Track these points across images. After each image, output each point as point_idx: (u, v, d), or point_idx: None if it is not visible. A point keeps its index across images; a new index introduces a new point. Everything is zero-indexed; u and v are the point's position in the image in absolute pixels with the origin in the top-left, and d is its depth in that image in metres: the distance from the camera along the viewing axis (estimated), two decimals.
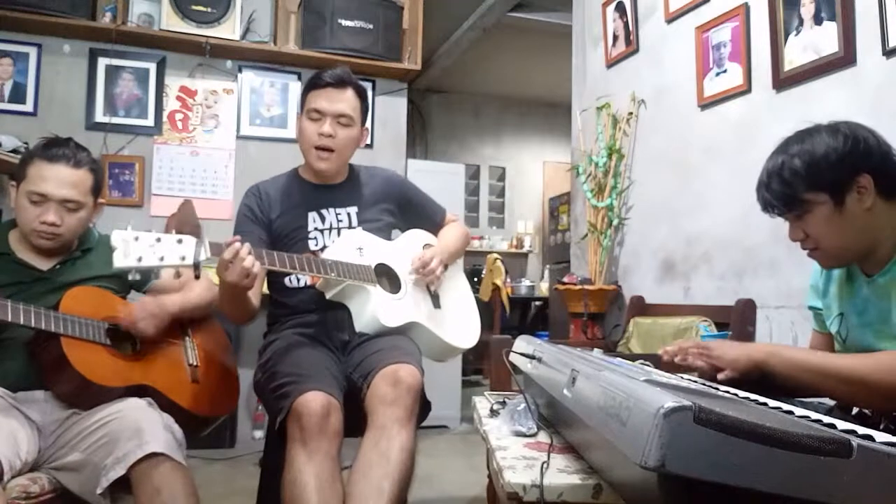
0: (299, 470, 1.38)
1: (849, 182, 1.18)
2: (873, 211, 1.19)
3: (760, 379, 1.30)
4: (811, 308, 1.44)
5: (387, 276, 1.78)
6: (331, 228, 1.79)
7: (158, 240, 1.34)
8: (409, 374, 1.50)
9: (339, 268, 1.61)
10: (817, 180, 1.18)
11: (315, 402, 1.42)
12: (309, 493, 1.35)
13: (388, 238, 1.86)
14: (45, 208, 1.52)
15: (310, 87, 1.78)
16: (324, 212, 1.80)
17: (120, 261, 1.29)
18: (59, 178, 1.52)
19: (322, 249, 1.75)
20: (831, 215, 1.19)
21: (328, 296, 1.69)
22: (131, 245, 1.30)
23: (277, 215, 1.78)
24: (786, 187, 1.21)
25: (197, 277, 1.44)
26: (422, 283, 1.83)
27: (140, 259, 1.30)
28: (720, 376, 1.32)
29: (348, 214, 1.81)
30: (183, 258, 1.35)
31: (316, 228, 1.78)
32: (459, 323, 1.92)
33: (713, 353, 1.33)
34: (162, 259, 1.33)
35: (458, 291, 1.98)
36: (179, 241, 1.36)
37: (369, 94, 1.91)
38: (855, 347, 1.29)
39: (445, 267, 1.88)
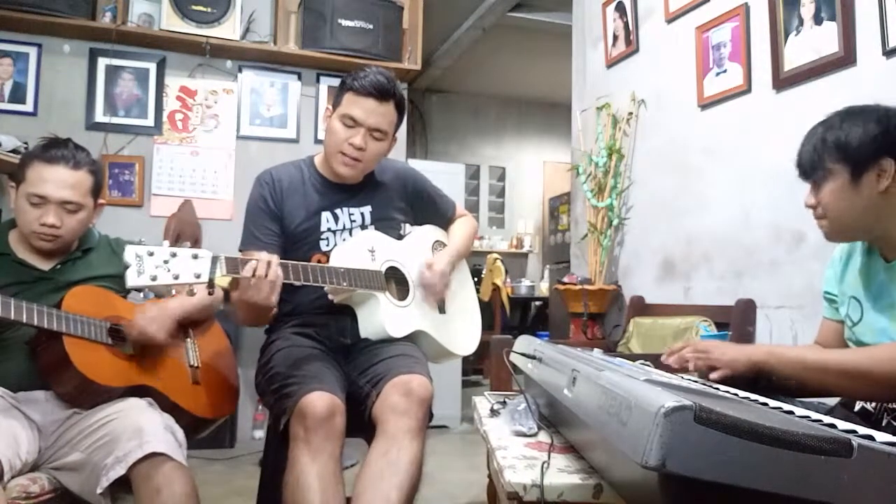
0: (302, 470, 1.37)
1: (871, 161, 1.20)
2: (888, 196, 1.21)
3: (755, 379, 1.31)
4: (826, 293, 1.45)
5: (395, 280, 1.78)
6: (343, 229, 1.76)
7: (174, 255, 1.27)
8: (422, 385, 1.49)
9: (350, 276, 1.58)
10: (842, 153, 1.22)
11: (320, 402, 1.42)
12: (312, 494, 1.34)
13: (400, 235, 1.84)
14: (45, 210, 1.52)
15: (350, 87, 1.66)
16: (337, 211, 1.76)
17: (133, 279, 1.24)
18: (58, 180, 1.52)
19: (334, 248, 1.72)
20: (844, 188, 1.23)
21: (336, 301, 1.67)
22: (145, 261, 1.25)
23: (289, 210, 1.73)
24: (814, 153, 1.26)
25: (211, 294, 1.41)
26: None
27: (154, 278, 1.25)
28: (713, 375, 1.32)
29: (362, 214, 1.78)
30: (198, 276, 1.29)
31: (329, 229, 1.75)
32: (462, 330, 1.92)
33: (712, 354, 1.34)
34: (177, 277, 1.27)
35: (462, 294, 1.97)
36: (195, 257, 1.30)
37: None
38: (866, 331, 1.29)
39: (452, 267, 1.88)
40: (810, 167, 1.28)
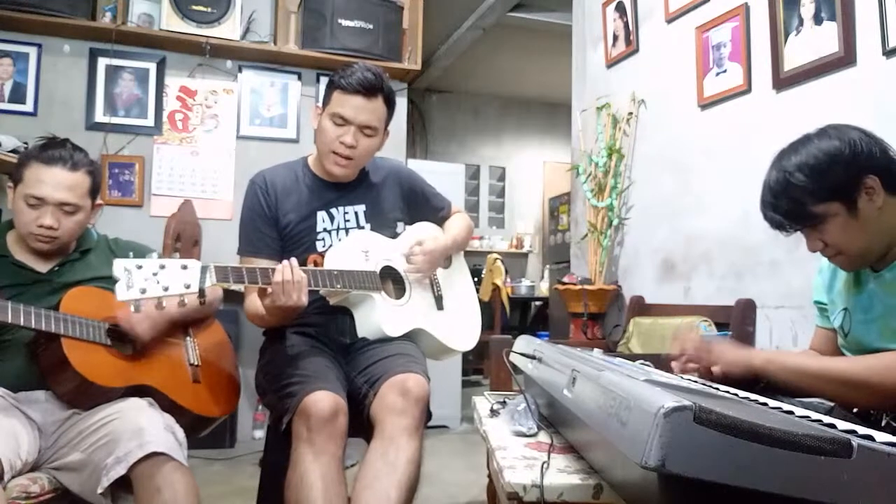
0: (305, 470, 1.38)
1: (856, 186, 1.18)
2: (885, 209, 1.19)
3: (755, 378, 1.31)
4: (816, 303, 1.45)
5: (392, 279, 1.78)
6: (339, 228, 1.76)
7: (162, 267, 1.28)
8: (418, 384, 1.49)
9: (344, 278, 1.58)
10: (825, 191, 1.19)
11: (324, 402, 1.42)
12: (315, 494, 1.35)
13: (395, 233, 1.84)
14: (43, 212, 1.51)
15: (338, 86, 1.68)
16: (333, 210, 1.76)
17: (123, 294, 1.25)
18: (56, 182, 1.51)
19: (328, 249, 1.73)
20: (847, 222, 1.20)
21: (332, 302, 1.67)
22: (134, 275, 1.26)
23: (285, 212, 1.74)
24: (794, 204, 1.21)
25: (202, 304, 1.42)
26: (425, 284, 1.82)
27: (144, 291, 1.26)
28: (715, 370, 1.32)
29: (356, 213, 1.78)
30: (188, 286, 1.31)
31: (324, 229, 1.75)
32: (461, 325, 1.92)
33: (712, 356, 1.34)
34: (166, 289, 1.28)
35: (461, 290, 1.97)
36: (184, 268, 1.31)
37: None
38: (857, 343, 1.29)
39: (450, 261, 1.87)
40: (797, 220, 1.24)
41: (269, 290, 1.44)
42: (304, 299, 1.46)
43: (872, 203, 1.19)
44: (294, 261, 1.47)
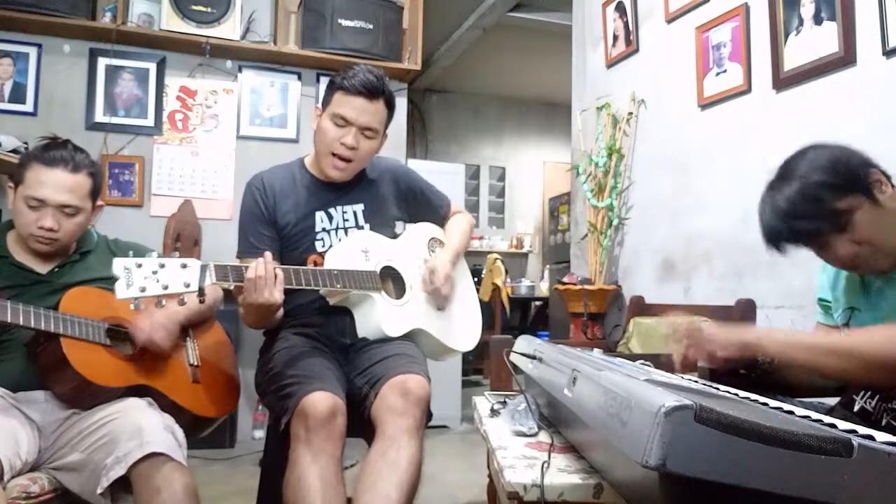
0: (303, 470, 1.38)
1: (867, 177, 1.18)
2: (891, 202, 1.19)
3: (752, 364, 1.30)
4: (820, 300, 1.44)
5: (392, 279, 1.78)
6: (337, 228, 1.76)
7: (162, 265, 1.29)
8: (419, 385, 1.49)
9: (344, 278, 1.58)
10: (844, 182, 1.18)
11: (322, 402, 1.42)
12: (314, 494, 1.35)
13: (395, 233, 1.84)
14: (43, 213, 1.50)
15: (340, 87, 1.67)
16: (331, 210, 1.76)
17: (122, 292, 1.26)
18: (56, 184, 1.50)
19: (328, 250, 1.72)
20: (873, 211, 1.17)
21: (332, 302, 1.67)
22: (133, 274, 1.26)
23: (283, 213, 1.74)
24: (817, 205, 1.18)
25: (202, 302, 1.41)
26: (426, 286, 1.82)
27: (143, 290, 1.27)
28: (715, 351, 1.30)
29: (355, 213, 1.78)
30: (187, 285, 1.31)
31: (323, 229, 1.75)
32: (462, 325, 1.92)
33: (704, 334, 1.31)
34: (166, 288, 1.29)
35: (461, 291, 1.97)
36: (184, 266, 1.31)
37: None
38: None
39: (453, 267, 1.87)
40: (824, 219, 1.19)
41: (242, 286, 1.44)
42: (278, 296, 1.45)
43: (884, 193, 1.18)
44: (268, 255, 1.46)
